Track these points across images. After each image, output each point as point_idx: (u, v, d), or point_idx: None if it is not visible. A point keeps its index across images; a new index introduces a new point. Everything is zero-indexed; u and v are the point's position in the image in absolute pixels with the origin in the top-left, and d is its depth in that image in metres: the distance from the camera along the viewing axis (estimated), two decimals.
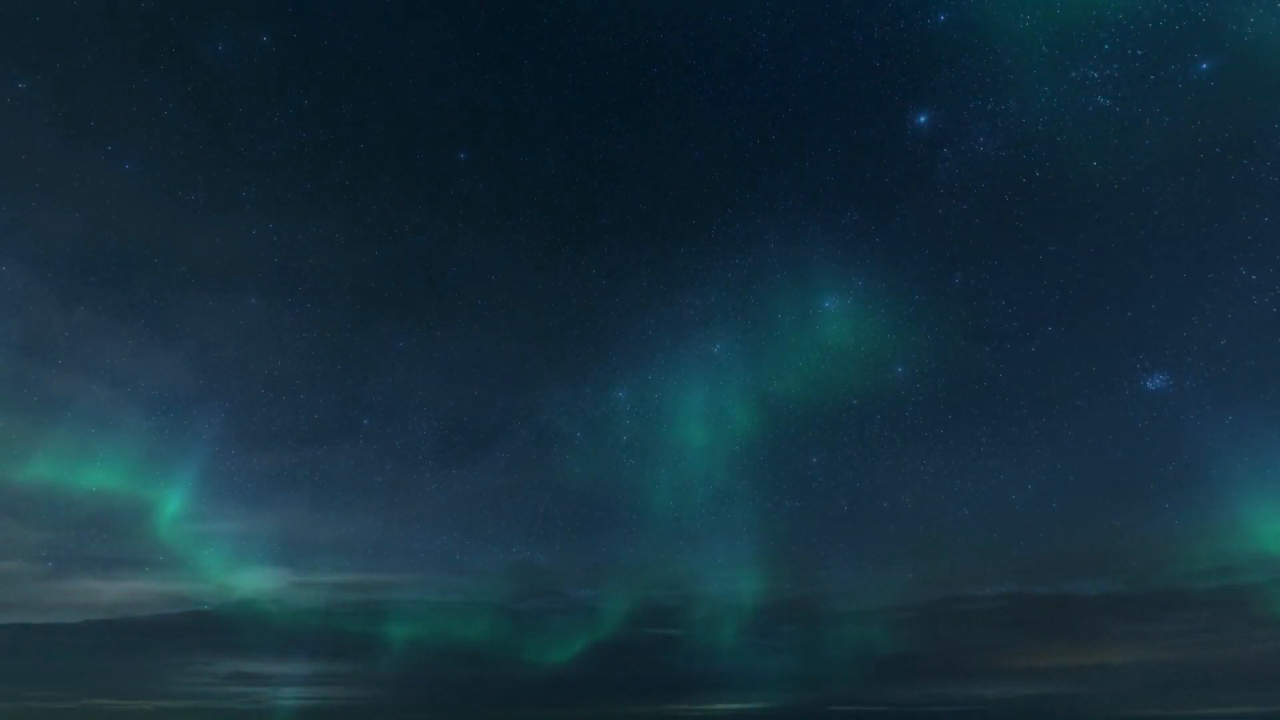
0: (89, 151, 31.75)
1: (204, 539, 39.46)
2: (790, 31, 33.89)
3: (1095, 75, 30.59)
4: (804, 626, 42.13)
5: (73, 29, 30.35)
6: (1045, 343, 35.28)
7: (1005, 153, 32.72)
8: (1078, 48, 30.50)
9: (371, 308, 37.96)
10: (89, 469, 35.92)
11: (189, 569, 39.64)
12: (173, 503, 37.82)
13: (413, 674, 42.05)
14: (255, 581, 40.92)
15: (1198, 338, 32.26)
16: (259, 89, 32.77)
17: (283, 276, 36.09)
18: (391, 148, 35.12)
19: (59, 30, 30.32)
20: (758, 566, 41.71)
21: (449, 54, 34.05)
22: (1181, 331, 32.48)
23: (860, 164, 35.73)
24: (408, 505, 41.42)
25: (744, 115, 35.49)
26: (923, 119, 33.88)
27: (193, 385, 36.96)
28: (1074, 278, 33.88)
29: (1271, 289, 30.26)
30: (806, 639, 41.97)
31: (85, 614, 40.09)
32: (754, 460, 40.26)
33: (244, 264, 35.34)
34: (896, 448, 38.62)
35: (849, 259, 36.95)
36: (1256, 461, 32.55)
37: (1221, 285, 31.48)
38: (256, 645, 41.88)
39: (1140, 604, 37.39)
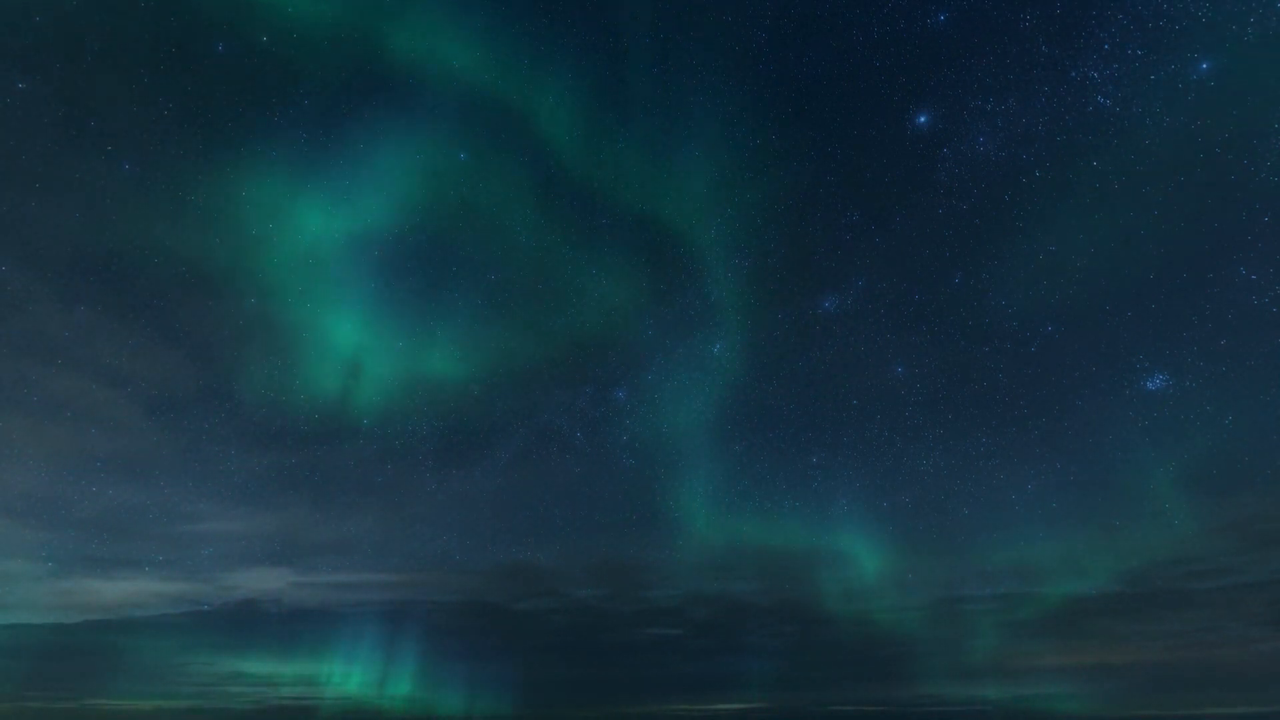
0: (89, 151, 31.89)
1: (204, 539, 39.57)
2: (790, 31, 33.96)
3: (1095, 75, 30.67)
4: (804, 626, 42.26)
5: (73, 29, 30.42)
6: (1045, 343, 35.38)
7: (1005, 153, 32.83)
8: (1078, 48, 30.56)
9: (371, 307, 38.03)
10: (89, 469, 36.08)
11: (189, 569, 39.79)
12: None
13: (412, 673, 42.10)
14: (255, 581, 41.04)
15: (1198, 338, 32.38)
16: (259, 89, 32.91)
17: (282, 276, 36.18)
18: (392, 148, 35.21)
19: (59, 30, 30.38)
20: (758, 566, 41.84)
21: (449, 54, 34.15)
22: (1181, 331, 32.58)
23: (860, 164, 35.84)
24: (408, 505, 41.55)
25: (744, 115, 35.59)
26: (923, 119, 33.98)
27: (193, 385, 37.03)
28: (1074, 278, 33.95)
29: (1271, 289, 30.33)
30: (806, 639, 42.08)
31: (85, 614, 40.22)
32: (754, 460, 40.43)
33: (244, 264, 35.44)
34: (896, 448, 38.77)
35: (849, 259, 37.07)
36: (1257, 462, 32.69)
37: (1221, 285, 31.59)
38: (256, 645, 41.94)
39: (1140, 604, 37.50)
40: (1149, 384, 33.44)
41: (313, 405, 38.07)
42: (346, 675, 40.98)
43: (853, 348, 37.75)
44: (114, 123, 31.84)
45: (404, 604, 41.88)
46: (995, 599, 39.32)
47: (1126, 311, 33.60)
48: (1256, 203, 29.71)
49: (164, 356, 36.28)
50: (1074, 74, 30.91)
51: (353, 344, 37.82)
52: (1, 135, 30.76)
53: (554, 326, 38.99)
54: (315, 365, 37.57)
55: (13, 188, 31.41)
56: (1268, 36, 28.10)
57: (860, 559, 40.02)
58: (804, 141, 35.95)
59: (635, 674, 43.74)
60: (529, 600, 43.25)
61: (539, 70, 34.76)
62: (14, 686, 38.86)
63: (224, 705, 39.85)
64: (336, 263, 37.01)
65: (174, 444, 37.55)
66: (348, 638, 41.14)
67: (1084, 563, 37.73)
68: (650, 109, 35.72)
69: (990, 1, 31.32)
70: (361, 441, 39.28)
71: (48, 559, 37.23)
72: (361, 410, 38.49)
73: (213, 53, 31.81)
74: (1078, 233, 33.24)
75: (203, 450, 37.83)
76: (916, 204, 35.44)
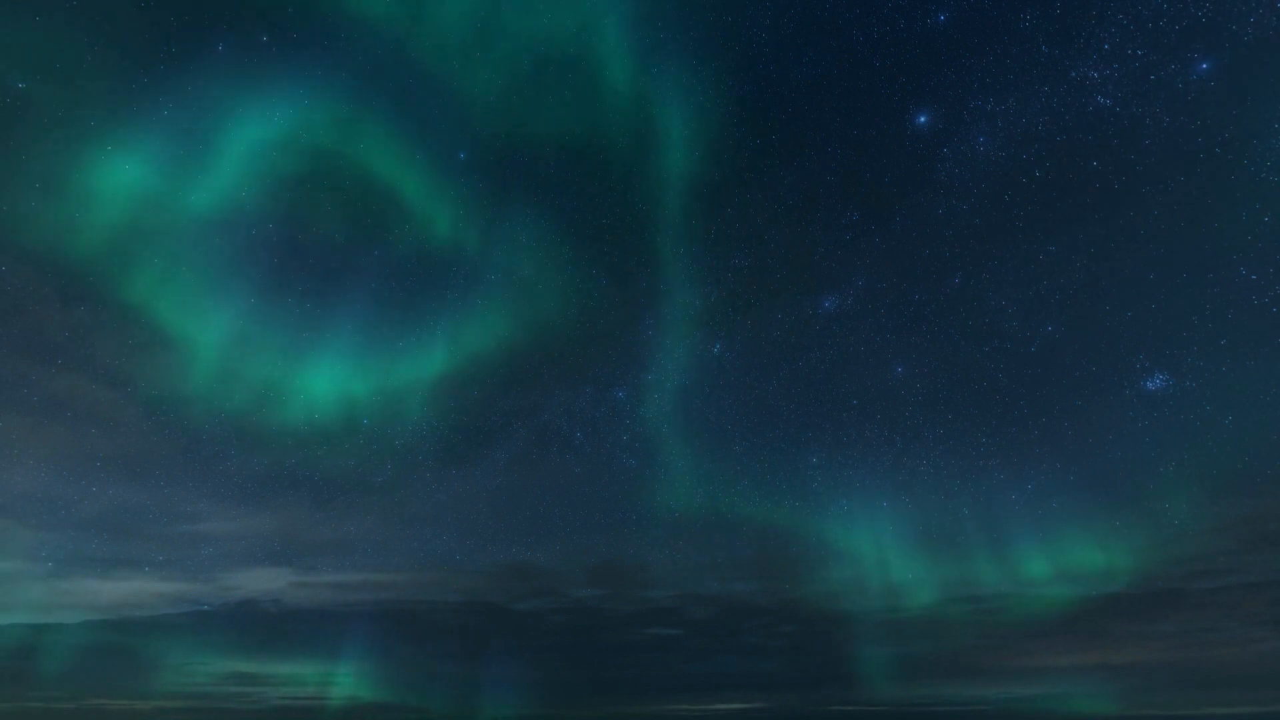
0: (89, 151, 31.85)
1: (204, 539, 39.58)
2: (790, 31, 33.97)
3: (1095, 75, 30.69)
4: (804, 626, 42.27)
5: (73, 29, 30.41)
6: (1045, 343, 35.37)
7: (1005, 153, 32.84)
8: (1078, 48, 30.57)
9: (371, 307, 38.05)
10: (89, 469, 36.09)
11: (189, 569, 39.80)
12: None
13: (412, 673, 42.13)
14: (255, 581, 41.06)
15: (1198, 338, 32.34)
16: (259, 89, 32.89)
17: (283, 276, 36.23)
18: (391, 148, 35.26)
19: (59, 30, 30.37)
20: (757, 566, 41.86)
21: (450, 54, 34.19)
22: (1181, 331, 32.55)
23: (860, 164, 35.87)
24: (408, 505, 41.52)
25: (744, 115, 35.60)
26: (923, 119, 34.00)
27: (193, 385, 37.00)
28: (1074, 278, 33.97)
29: (1271, 289, 30.31)
30: (806, 639, 42.09)
31: (85, 614, 40.24)
32: (754, 461, 40.41)
33: (245, 264, 35.44)
34: (896, 448, 38.73)
35: (849, 259, 37.09)
36: (1257, 462, 32.66)
37: (1221, 285, 31.54)
38: (256, 645, 41.94)
39: (1140, 604, 37.51)
40: (1149, 384, 33.48)
41: (313, 405, 38.17)
42: (346, 675, 41.01)
43: (852, 347, 37.82)
44: (114, 123, 31.91)
45: (404, 604, 41.93)
46: (995, 599, 39.34)
47: (1126, 311, 33.64)
48: (1256, 203, 29.73)
49: (164, 356, 36.29)
50: (1074, 74, 30.98)
51: (354, 343, 37.90)
52: (1, 135, 30.79)
53: (554, 326, 39.04)
54: (316, 364, 37.64)
55: (13, 188, 31.43)
56: (1268, 36, 28.13)
57: (859, 559, 40.02)
58: (804, 141, 36.03)
59: (635, 674, 43.78)
60: (529, 600, 43.32)
61: (536, 67, 34.85)
62: (14, 686, 38.88)
63: (224, 705, 39.84)
64: (336, 262, 37.16)
65: (174, 444, 37.56)
66: (347, 638, 41.19)
67: (1084, 563, 37.78)
68: (650, 109, 35.82)
69: (990, 1, 31.40)
70: (361, 441, 39.34)
71: (48, 559, 37.27)
72: (361, 410, 38.59)
73: (213, 52, 31.88)
74: (1078, 233, 33.30)
75: (203, 450, 37.86)
76: (916, 204, 35.51)
